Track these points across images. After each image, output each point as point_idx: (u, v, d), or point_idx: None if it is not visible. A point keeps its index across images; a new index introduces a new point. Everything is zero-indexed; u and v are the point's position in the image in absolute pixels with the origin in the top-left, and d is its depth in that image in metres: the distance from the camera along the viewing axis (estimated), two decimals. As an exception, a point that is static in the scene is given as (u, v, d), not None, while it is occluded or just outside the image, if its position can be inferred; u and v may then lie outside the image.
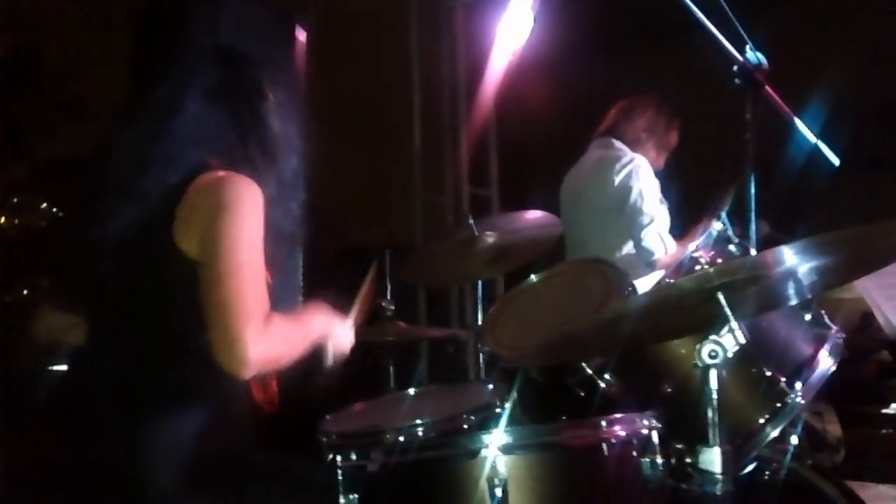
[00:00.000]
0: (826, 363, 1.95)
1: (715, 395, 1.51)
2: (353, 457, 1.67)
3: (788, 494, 2.24)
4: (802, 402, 1.87)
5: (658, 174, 3.56)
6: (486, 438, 1.57)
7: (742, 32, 2.64)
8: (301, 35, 3.70)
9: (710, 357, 1.48)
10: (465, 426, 1.92)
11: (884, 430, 4.57)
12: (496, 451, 1.56)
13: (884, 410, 4.87)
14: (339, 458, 1.67)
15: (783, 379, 1.88)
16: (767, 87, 2.72)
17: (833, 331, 2.02)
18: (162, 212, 1.77)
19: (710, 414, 1.50)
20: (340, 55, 4.59)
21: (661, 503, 1.66)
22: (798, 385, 1.88)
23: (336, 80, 4.54)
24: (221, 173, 1.80)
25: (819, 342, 1.97)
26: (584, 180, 3.58)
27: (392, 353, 2.92)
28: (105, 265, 1.85)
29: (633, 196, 3.36)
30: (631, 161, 3.43)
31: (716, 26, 2.61)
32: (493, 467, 1.54)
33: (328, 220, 4.48)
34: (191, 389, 1.80)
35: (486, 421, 1.95)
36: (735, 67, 2.71)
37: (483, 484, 1.54)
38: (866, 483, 3.08)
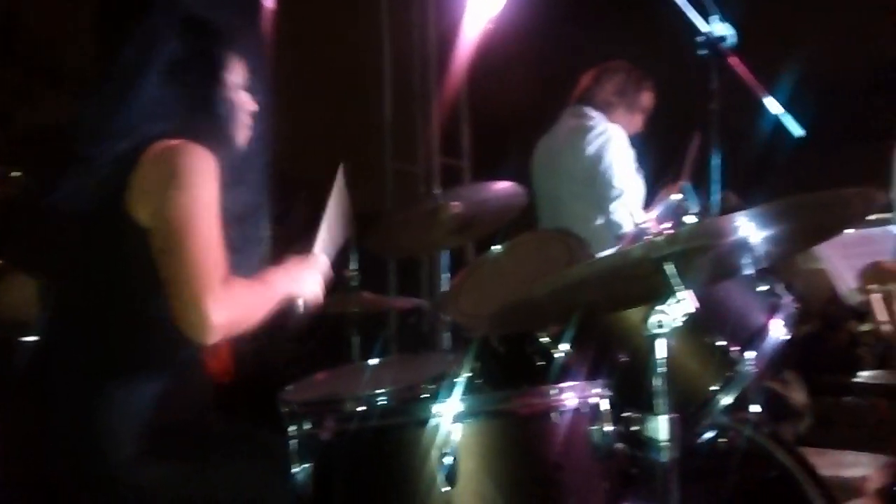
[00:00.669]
0: (779, 332, 1.97)
1: (662, 365, 1.51)
2: (307, 425, 1.68)
3: (744, 462, 2.27)
4: (754, 370, 1.90)
5: (634, 141, 3.55)
6: (437, 407, 1.58)
7: (710, 3, 2.64)
8: (268, 2, 3.65)
9: (658, 327, 1.49)
10: (423, 395, 1.93)
11: (851, 398, 4.64)
12: (447, 419, 1.57)
13: (853, 379, 4.94)
14: (292, 426, 1.67)
15: (736, 348, 1.90)
16: (733, 58, 2.73)
17: (787, 300, 2.04)
18: (116, 181, 1.77)
19: (657, 383, 1.51)
20: (310, 22, 4.53)
21: (612, 470, 1.68)
22: (750, 354, 1.90)
23: (306, 48, 4.49)
24: (174, 142, 1.80)
25: (773, 312, 1.99)
26: (558, 149, 3.56)
27: (356, 324, 2.92)
28: (66, 235, 1.85)
29: (604, 167, 3.34)
30: (604, 132, 3.41)
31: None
32: (444, 435, 1.55)
33: (297, 189, 4.45)
34: (151, 357, 1.80)
35: (445, 390, 1.95)
36: (701, 38, 2.72)
37: (434, 452, 1.55)
38: (824, 450, 3.13)
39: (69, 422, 1.74)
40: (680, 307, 1.49)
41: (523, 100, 5.00)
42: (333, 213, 2.28)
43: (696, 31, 2.72)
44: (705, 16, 2.72)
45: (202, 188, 1.75)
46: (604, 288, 1.70)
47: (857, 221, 1.63)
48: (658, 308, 1.51)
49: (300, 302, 2.00)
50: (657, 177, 3.40)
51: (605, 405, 1.68)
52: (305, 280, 2.00)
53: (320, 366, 2.44)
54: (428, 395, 1.88)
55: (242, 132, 2.01)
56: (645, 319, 1.53)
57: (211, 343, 1.69)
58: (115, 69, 1.87)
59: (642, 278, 1.59)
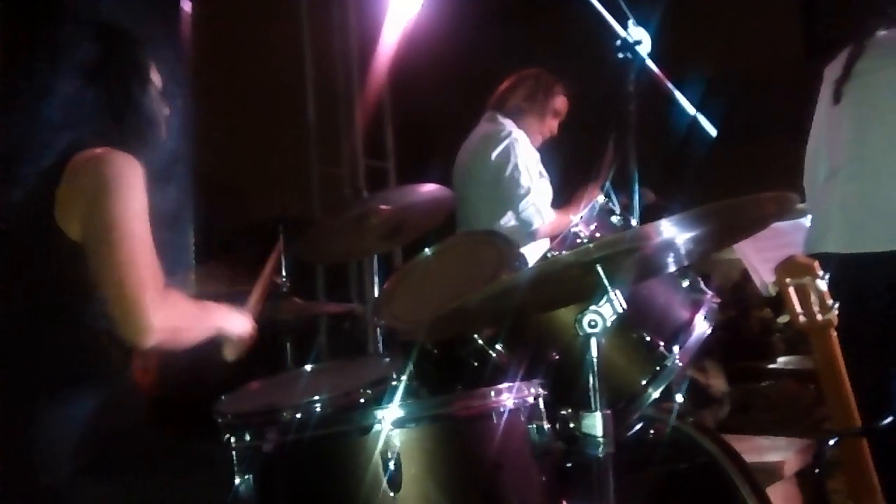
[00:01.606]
0: (702, 327, 2.05)
1: (596, 363, 1.57)
2: (248, 437, 1.68)
3: (671, 451, 2.36)
4: (680, 364, 1.98)
5: (547, 147, 3.70)
6: (377, 413, 1.60)
7: (624, 7, 2.72)
8: (186, 6, 3.61)
9: (590, 326, 1.55)
10: (362, 401, 1.95)
11: (765, 384, 4.84)
12: (387, 425, 1.59)
13: (768, 365, 5.15)
14: (233, 438, 1.68)
15: (662, 343, 1.98)
16: (649, 61, 2.82)
17: (708, 296, 2.13)
18: (41, 195, 1.75)
19: (591, 380, 1.57)
20: (230, 28, 4.50)
21: (549, 466, 1.73)
22: (676, 349, 1.98)
23: (226, 53, 4.45)
24: (99, 150, 1.79)
25: (695, 307, 2.08)
26: (470, 155, 3.72)
27: (289, 330, 2.92)
28: None
29: (509, 169, 3.52)
30: (508, 136, 3.59)
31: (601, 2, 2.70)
32: (385, 441, 1.57)
33: (223, 195, 4.41)
34: (85, 372, 1.79)
35: (383, 395, 1.98)
36: (618, 42, 2.80)
37: (376, 458, 1.57)
38: (743, 436, 3.27)
39: (5, 439, 1.72)
40: (611, 307, 1.55)
41: (446, 101, 5.06)
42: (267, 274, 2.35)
43: (615, 35, 2.81)
44: (623, 20, 2.81)
45: (131, 196, 1.74)
46: (534, 292, 1.75)
47: (774, 221, 1.72)
48: (591, 308, 1.57)
49: (227, 342, 2.04)
50: (576, 178, 3.53)
51: (541, 404, 1.73)
52: (236, 321, 2.02)
53: (253, 374, 2.43)
54: (366, 402, 1.90)
55: (162, 134, 2.01)
56: (575, 318, 1.58)
57: (148, 345, 1.70)
58: (26, 82, 1.85)
59: (573, 280, 1.64)
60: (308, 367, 2.46)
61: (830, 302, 1.96)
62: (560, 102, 3.78)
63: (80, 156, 1.77)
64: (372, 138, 5.20)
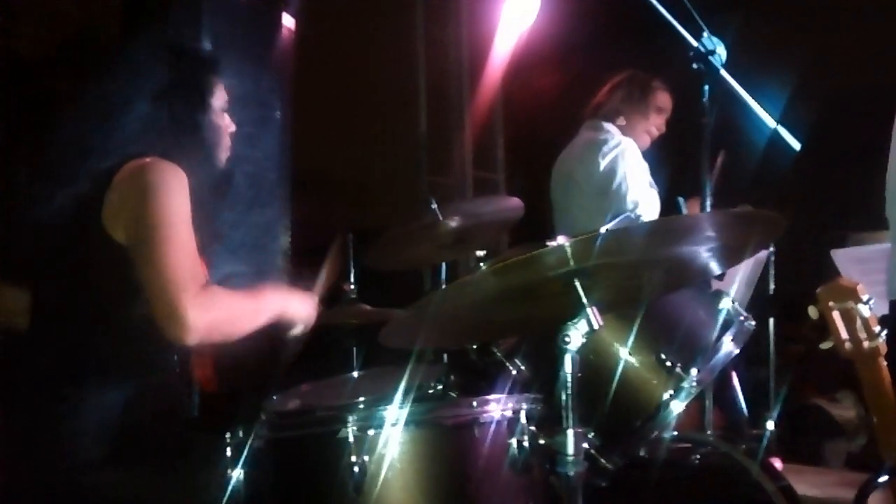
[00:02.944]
0: (728, 347, 1.97)
1: (570, 380, 1.54)
2: (241, 433, 1.76)
3: (716, 478, 2.27)
4: (697, 385, 1.90)
5: (647, 156, 3.57)
6: (349, 416, 1.64)
7: (699, 19, 2.64)
8: (288, 22, 3.77)
9: (564, 342, 1.52)
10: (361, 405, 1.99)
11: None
12: (367, 428, 1.63)
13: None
14: (228, 434, 1.76)
15: (680, 364, 1.91)
16: (726, 73, 2.71)
17: (742, 318, 2.03)
18: (90, 198, 1.89)
19: (564, 397, 1.54)
20: (347, 38, 4.65)
21: (531, 483, 1.71)
22: (694, 370, 1.91)
23: (342, 63, 4.61)
24: (147, 159, 1.91)
25: (724, 328, 1.99)
26: (573, 163, 3.61)
27: (355, 335, 2.99)
28: (41, 246, 1.97)
29: (618, 181, 3.38)
30: (617, 145, 3.45)
31: (685, 13, 2.63)
32: (355, 444, 1.61)
33: (327, 202, 4.57)
34: (121, 365, 1.90)
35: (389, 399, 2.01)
36: (692, 52, 2.71)
37: (351, 460, 1.61)
38: (827, 469, 3.06)
39: (36, 424, 1.85)
40: (586, 323, 1.52)
41: (558, 113, 5.02)
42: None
43: (688, 46, 2.72)
44: (699, 30, 2.72)
45: (172, 200, 1.85)
46: (531, 302, 1.72)
47: (766, 241, 1.62)
48: (569, 324, 1.54)
49: (291, 325, 2.09)
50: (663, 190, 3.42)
51: (523, 418, 1.71)
52: (297, 303, 2.08)
53: (317, 375, 2.52)
54: (357, 406, 1.93)
55: (223, 153, 2.13)
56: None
57: (193, 343, 1.78)
58: (107, 90, 2.00)
59: (558, 295, 1.62)
60: (357, 373, 2.53)
61: (877, 328, 1.83)
62: (662, 98, 3.61)
63: (130, 164, 1.90)
64: (482, 149, 5.23)
